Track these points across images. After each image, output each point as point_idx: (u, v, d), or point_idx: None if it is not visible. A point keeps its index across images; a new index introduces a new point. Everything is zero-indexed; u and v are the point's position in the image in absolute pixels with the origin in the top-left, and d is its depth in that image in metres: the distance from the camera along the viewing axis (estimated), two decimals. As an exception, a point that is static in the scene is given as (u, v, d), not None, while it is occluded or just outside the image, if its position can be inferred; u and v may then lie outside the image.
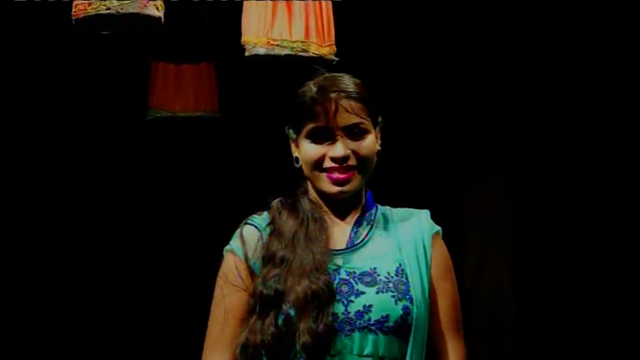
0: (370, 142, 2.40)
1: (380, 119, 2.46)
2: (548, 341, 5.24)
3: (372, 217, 2.45)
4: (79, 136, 5.29)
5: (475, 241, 5.34)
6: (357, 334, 2.31)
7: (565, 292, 5.22)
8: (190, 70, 4.24)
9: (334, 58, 3.01)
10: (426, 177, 5.33)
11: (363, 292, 2.32)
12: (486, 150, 5.33)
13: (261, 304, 2.33)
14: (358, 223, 2.43)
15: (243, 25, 2.98)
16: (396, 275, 2.36)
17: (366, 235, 2.42)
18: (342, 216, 2.44)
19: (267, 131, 4.71)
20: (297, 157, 2.44)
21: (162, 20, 2.89)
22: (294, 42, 2.89)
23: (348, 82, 2.41)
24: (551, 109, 5.25)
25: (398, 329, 2.33)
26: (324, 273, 2.31)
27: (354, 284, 2.33)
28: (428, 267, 2.40)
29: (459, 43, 5.20)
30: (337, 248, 2.39)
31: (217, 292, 2.41)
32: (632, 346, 5.13)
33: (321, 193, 2.42)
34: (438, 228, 2.47)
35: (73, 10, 2.86)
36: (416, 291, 2.35)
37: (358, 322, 2.31)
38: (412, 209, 2.50)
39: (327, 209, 2.43)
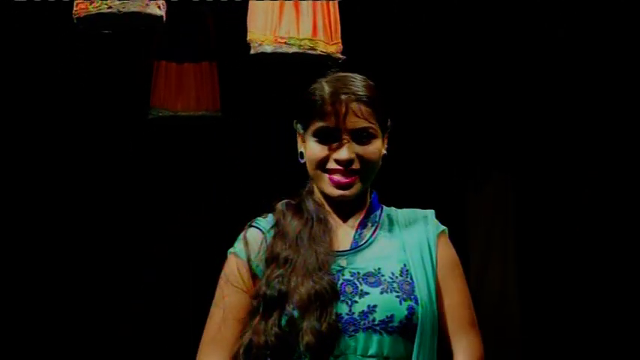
0: (376, 148, 2.40)
1: (389, 124, 2.46)
2: (554, 341, 5.23)
3: (377, 219, 2.44)
4: (80, 135, 5.28)
5: (479, 242, 5.34)
6: (361, 335, 2.30)
7: (569, 293, 5.22)
8: (192, 69, 4.23)
9: (341, 56, 2.98)
10: (430, 177, 5.33)
11: (367, 293, 2.32)
12: (490, 150, 5.32)
13: (265, 304, 2.32)
14: (362, 225, 2.43)
15: (248, 23, 2.96)
16: (401, 275, 2.35)
17: (371, 236, 2.41)
18: (346, 217, 2.43)
19: (268, 131, 4.72)
20: (302, 152, 2.44)
21: (164, 19, 2.87)
22: (302, 40, 2.87)
23: (360, 85, 2.40)
24: (554, 109, 5.25)
25: (403, 329, 2.32)
26: (327, 273, 2.31)
27: (358, 285, 2.33)
28: (434, 267, 2.40)
29: (464, 45, 5.21)
30: (341, 249, 2.38)
31: (218, 292, 2.41)
32: (637, 345, 5.11)
33: (325, 195, 2.41)
34: (444, 227, 2.47)
35: (74, 9, 2.84)
36: (421, 291, 2.34)
37: (362, 322, 2.30)
38: (417, 209, 2.49)
39: (331, 210, 2.42)
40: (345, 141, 2.36)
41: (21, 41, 5.05)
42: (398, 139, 5.17)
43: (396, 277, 2.34)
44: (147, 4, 2.80)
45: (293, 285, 2.31)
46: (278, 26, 2.88)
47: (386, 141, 2.45)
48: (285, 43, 2.88)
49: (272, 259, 2.36)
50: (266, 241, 2.39)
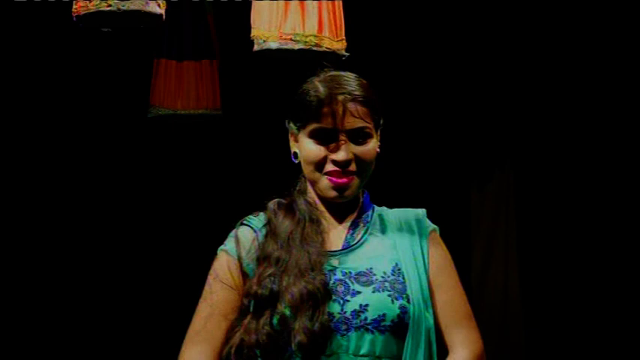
0: (372, 147, 2.39)
1: (382, 122, 2.44)
2: (556, 339, 5.22)
3: (368, 219, 2.43)
4: (79, 133, 5.26)
5: (481, 240, 5.33)
6: (353, 334, 2.29)
7: (572, 291, 5.21)
8: (192, 67, 4.23)
9: (345, 53, 2.97)
10: (433, 175, 5.32)
11: (359, 292, 2.31)
12: (493, 148, 5.31)
13: (256, 303, 2.31)
14: (354, 225, 2.42)
15: (252, 19, 2.94)
16: (393, 275, 2.34)
17: (362, 236, 2.40)
18: (338, 217, 2.42)
19: (269, 129, 4.70)
20: (295, 152, 2.42)
21: (164, 17, 2.85)
22: (307, 36, 2.85)
23: (355, 84, 2.38)
24: (556, 108, 5.23)
25: (395, 328, 2.31)
26: (320, 273, 2.30)
27: (350, 284, 2.32)
28: (426, 266, 2.38)
29: (468, 45, 5.21)
30: (333, 249, 2.37)
31: (206, 288, 2.40)
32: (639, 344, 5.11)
33: (319, 195, 2.40)
34: (434, 226, 2.45)
35: (74, 6, 2.83)
36: (413, 290, 2.33)
37: (354, 321, 2.29)
38: (408, 209, 2.48)
39: (323, 210, 2.41)
40: (343, 142, 2.35)
41: (20, 39, 5.04)
42: (401, 138, 5.19)
43: (388, 277, 2.33)
44: (146, 3, 2.78)
45: (285, 284, 2.30)
46: (283, 22, 2.85)
47: (379, 139, 2.43)
48: (290, 39, 2.86)
49: (264, 258, 2.35)
50: (258, 240, 2.38)
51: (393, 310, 2.30)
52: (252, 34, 2.92)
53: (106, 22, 2.85)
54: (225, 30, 4.40)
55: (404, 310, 2.30)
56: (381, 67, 5.04)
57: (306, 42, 2.85)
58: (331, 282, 2.30)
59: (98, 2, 2.76)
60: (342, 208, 2.41)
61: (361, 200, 2.44)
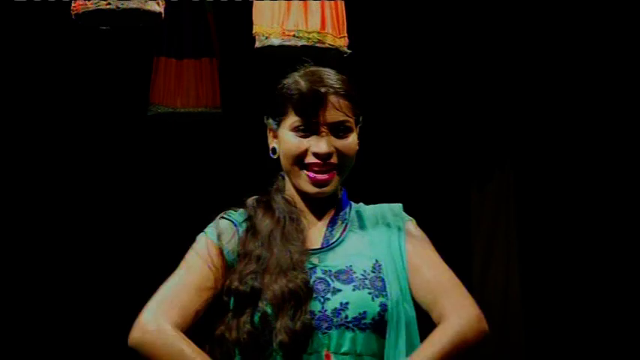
0: (352, 142, 2.39)
1: (361, 119, 2.44)
2: (556, 339, 5.22)
3: (347, 216, 2.42)
4: (79, 131, 5.27)
5: (482, 240, 5.33)
6: (334, 332, 2.29)
7: (572, 291, 5.21)
8: (192, 65, 4.24)
9: (348, 50, 2.95)
10: (433, 175, 5.31)
11: (339, 290, 2.31)
12: (493, 148, 5.31)
13: (237, 300, 2.30)
14: (333, 223, 2.41)
15: (254, 16, 2.92)
16: (373, 272, 2.34)
17: (341, 234, 2.40)
18: (317, 215, 2.41)
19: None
20: (274, 148, 2.42)
21: (163, 16, 2.85)
22: (311, 32, 2.83)
23: (335, 78, 2.39)
24: (556, 108, 5.23)
25: (375, 326, 2.31)
26: (301, 272, 2.30)
27: (331, 282, 2.31)
28: (404, 260, 2.37)
29: (468, 45, 5.21)
30: (313, 248, 2.37)
31: (182, 263, 2.37)
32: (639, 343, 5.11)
33: (298, 191, 2.40)
34: (410, 218, 2.45)
35: (73, 5, 2.83)
36: (393, 287, 2.33)
37: (335, 319, 2.29)
38: (384, 204, 2.48)
39: (302, 207, 2.41)
40: (324, 134, 2.35)
41: (20, 38, 5.05)
42: (401, 138, 5.16)
43: (368, 274, 2.33)
44: (145, 1, 2.79)
45: (266, 282, 2.29)
46: (286, 19, 2.84)
47: (357, 135, 2.42)
48: (293, 35, 2.84)
49: (244, 255, 2.34)
50: (238, 234, 2.38)
51: (373, 307, 2.30)
52: (254, 31, 2.91)
53: (105, 20, 2.85)
54: (224, 28, 4.40)
55: (384, 308, 2.30)
56: (381, 67, 5.05)
57: (309, 38, 2.83)
58: (312, 280, 2.30)
59: (97, 1, 2.76)
60: (321, 204, 2.41)
61: (339, 196, 2.44)
